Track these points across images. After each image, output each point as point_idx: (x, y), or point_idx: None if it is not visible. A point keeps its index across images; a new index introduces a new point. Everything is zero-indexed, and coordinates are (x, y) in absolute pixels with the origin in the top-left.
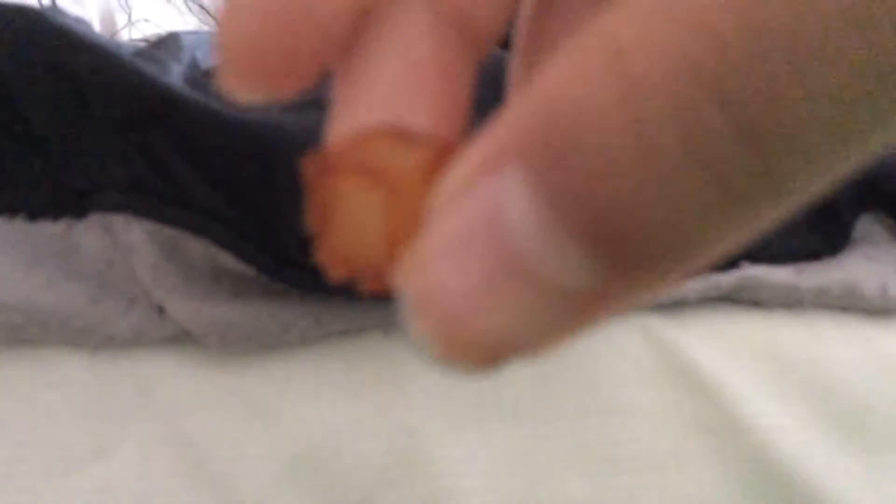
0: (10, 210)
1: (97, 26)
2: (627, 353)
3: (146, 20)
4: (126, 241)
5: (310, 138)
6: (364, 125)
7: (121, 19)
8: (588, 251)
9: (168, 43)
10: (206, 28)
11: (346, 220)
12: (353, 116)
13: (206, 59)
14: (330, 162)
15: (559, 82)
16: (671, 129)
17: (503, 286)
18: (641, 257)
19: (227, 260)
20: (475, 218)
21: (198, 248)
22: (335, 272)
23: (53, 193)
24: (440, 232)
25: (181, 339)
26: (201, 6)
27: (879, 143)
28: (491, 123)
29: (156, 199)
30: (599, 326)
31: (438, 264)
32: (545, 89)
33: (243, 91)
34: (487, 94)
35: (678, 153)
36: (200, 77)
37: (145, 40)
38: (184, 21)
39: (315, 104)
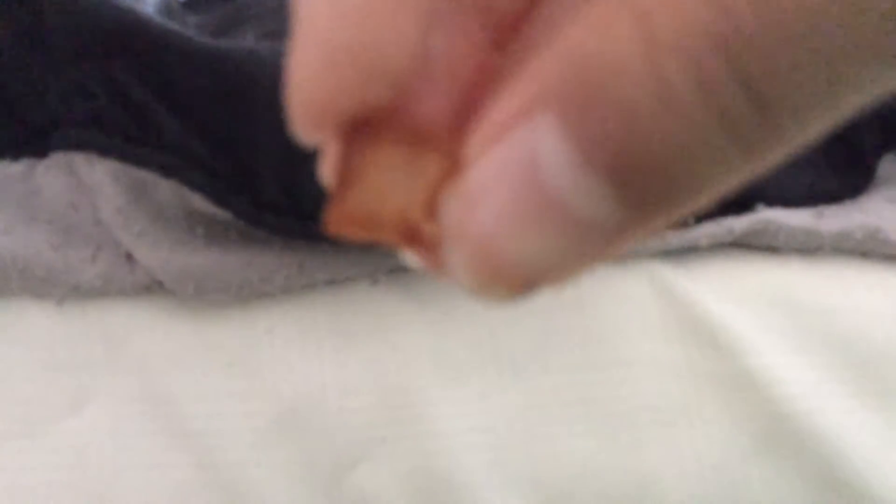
0: None
1: None
2: (633, 303)
3: None
4: (90, 182)
5: None
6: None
7: None
8: (612, 188)
9: None
10: None
11: (376, 180)
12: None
13: None
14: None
15: (589, 39)
16: (686, 82)
17: (535, 219)
18: (659, 194)
19: (201, 203)
20: (511, 159)
21: (168, 190)
22: (350, 232)
23: (12, 131)
24: (478, 173)
25: (153, 289)
26: None
27: (866, 98)
28: (518, 77)
29: (121, 136)
30: (617, 258)
31: (476, 202)
32: (575, 45)
33: (312, 138)
34: None
35: (692, 103)
36: (176, 6)
37: None
38: None
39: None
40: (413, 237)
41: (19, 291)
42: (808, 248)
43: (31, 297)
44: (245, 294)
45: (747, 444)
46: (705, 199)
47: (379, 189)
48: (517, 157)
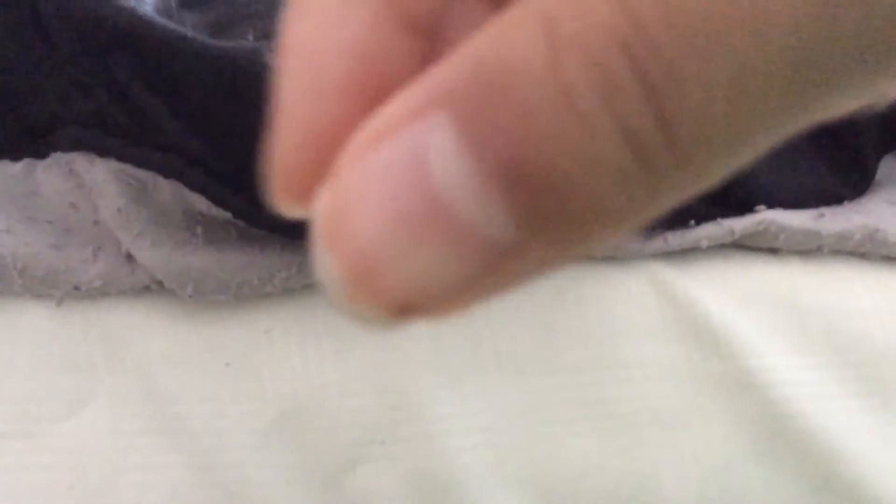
0: None
1: None
2: (634, 304)
3: None
4: (90, 182)
5: None
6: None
7: None
8: (509, 203)
9: None
10: None
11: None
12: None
13: None
14: None
15: (492, 41)
16: (592, 91)
17: (420, 230)
18: (560, 214)
19: (200, 203)
20: (398, 159)
21: (168, 190)
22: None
23: (12, 131)
24: (356, 172)
25: (153, 289)
26: None
27: (787, 130)
28: (420, 77)
29: (121, 135)
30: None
31: (352, 206)
32: (477, 47)
33: (292, 209)
34: None
35: (597, 114)
36: (174, 6)
37: None
38: None
39: None
40: None
41: (19, 291)
42: (809, 249)
43: (31, 297)
44: (245, 294)
45: (748, 445)
46: (613, 229)
47: None
48: (403, 156)
